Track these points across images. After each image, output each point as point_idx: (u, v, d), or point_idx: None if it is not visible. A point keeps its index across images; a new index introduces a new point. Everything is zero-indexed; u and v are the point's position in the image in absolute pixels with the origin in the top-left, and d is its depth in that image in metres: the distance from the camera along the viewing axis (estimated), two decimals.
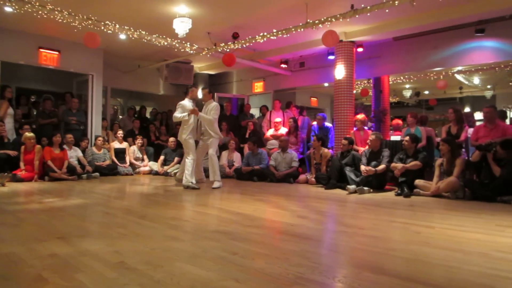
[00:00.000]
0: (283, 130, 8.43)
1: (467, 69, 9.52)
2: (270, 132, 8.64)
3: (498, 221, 3.61)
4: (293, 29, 6.58)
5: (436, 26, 6.90)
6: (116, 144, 8.71)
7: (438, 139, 6.46)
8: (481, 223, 3.49)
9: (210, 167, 6.23)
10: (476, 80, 11.46)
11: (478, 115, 10.91)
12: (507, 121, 10.97)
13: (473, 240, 2.81)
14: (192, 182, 5.98)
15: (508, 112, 12.40)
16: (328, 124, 8.72)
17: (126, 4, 6.45)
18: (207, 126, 6.28)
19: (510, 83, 11.02)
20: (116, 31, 6.89)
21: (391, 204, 4.75)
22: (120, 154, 8.69)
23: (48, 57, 8.41)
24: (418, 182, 5.60)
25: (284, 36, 6.86)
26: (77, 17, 6.34)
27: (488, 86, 12.26)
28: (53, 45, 8.43)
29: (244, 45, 7.62)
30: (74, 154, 7.72)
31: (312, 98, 12.77)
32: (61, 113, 8.55)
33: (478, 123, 7.22)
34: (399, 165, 5.76)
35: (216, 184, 6.13)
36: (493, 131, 5.60)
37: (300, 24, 6.49)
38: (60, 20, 6.32)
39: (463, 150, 6.44)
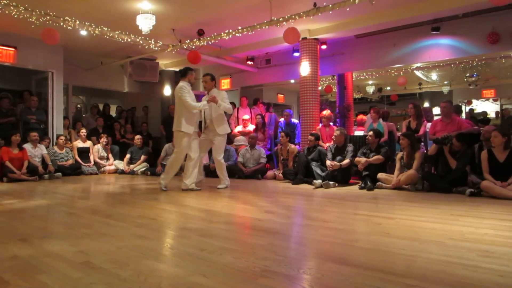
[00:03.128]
0: (250, 127, 8.48)
1: (425, 66, 9.90)
2: (238, 129, 8.67)
3: (453, 211, 3.81)
4: (258, 26, 6.63)
5: (394, 24, 7.15)
6: (79, 143, 8.48)
7: (399, 134, 6.72)
8: (438, 213, 3.67)
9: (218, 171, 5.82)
10: (434, 76, 11.95)
11: (437, 110, 11.39)
12: (463, 115, 11.56)
13: (429, 230, 2.97)
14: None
15: (463, 107, 13.06)
16: (294, 120, 8.85)
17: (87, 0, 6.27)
18: (217, 120, 5.60)
19: (465, 79, 11.56)
20: (77, 27, 6.68)
21: (355, 197, 4.91)
22: (84, 153, 8.46)
23: (4, 54, 8.04)
24: (380, 175, 5.81)
25: (249, 33, 6.90)
26: (34, 13, 6.10)
27: (445, 82, 12.81)
28: (9, 41, 8.07)
29: (210, 42, 7.60)
30: (39, 152, 7.49)
31: (279, 95, 12.89)
32: (19, 111, 8.21)
33: (436, 118, 7.55)
34: (363, 159, 5.94)
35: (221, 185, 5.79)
36: (449, 125, 5.89)
37: (265, 21, 6.55)
38: (16, 16, 6.06)
39: (422, 144, 6.72)
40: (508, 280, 1.86)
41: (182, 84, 5.40)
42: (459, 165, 5.28)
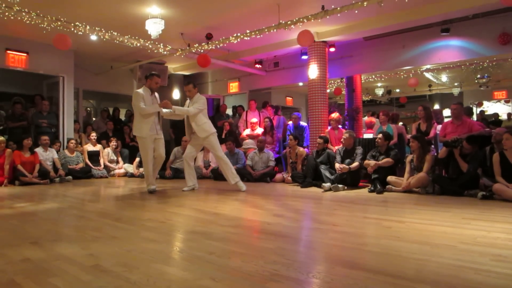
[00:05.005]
0: (259, 130, 8.48)
1: (435, 67, 9.84)
2: (246, 132, 8.67)
3: (464, 214, 3.76)
4: (266, 30, 6.65)
5: (403, 26, 7.12)
6: (89, 147, 8.56)
7: (408, 136, 6.66)
8: (449, 217, 3.63)
9: (223, 170, 5.79)
10: (444, 78, 11.86)
11: (447, 112, 11.28)
12: (474, 117, 11.42)
13: (440, 233, 2.93)
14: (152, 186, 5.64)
15: (474, 109, 12.91)
16: (303, 123, 8.83)
17: (97, 5, 6.35)
18: (192, 121, 5.61)
19: (476, 81, 11.45)
20: (87, 32, 6.77)
21: (364, 200, 4.87)
22: (94, 156, 8.54)
23: (16, 59, 8.18)
24: (390, 178, 5.76)
25: (258, 36, 6.92)
26: (45, 18, 6.20)
27: (456, 84, 12.70)
28: (21, 47, 8.20)
29: (218, 46, 7.64)
30: (50, 156, 7.59)
31: (287, 98, 12.89)
32: (31, 116, 8.33)
33: (446, 120, 7.47)
34: (372, 162, 5.90)
35: (242, 186, 5.77)
36: (460, 127, 5.82)
37: (273, 24, 6.56)
38: (28, 22, 6.16)
39: (433, 146, 6.66)
40: None
41: (138, 90, 5.53)
42: (470, 168, 5.21)
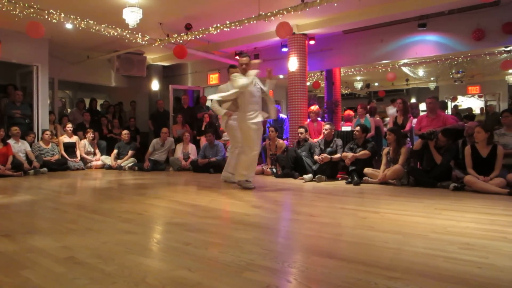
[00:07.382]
0: None
1: (412, 62, 10.02)
2: None
3: (436, 205, 3.87)
4: (246, 21, 6.61)
5: (381, 20, 7.20)
6: (65, 138, 8.37)
7: (385, 129, 6.79)
8: (422, 207, 3.73)
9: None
10: (420, 72, 12.09)
11: (423, 106, 11.54)
12: (449, 111, 11.71)
13: (413, 223, 3.01)
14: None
15: (449, 103, 13.23)
16: (283, 115, 8.86)
17: None
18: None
19: (451, 75, 11.72)
20: (62, 20, 6.57)
21: (342, 192, 4.95)
22: (70, 148, 8.36)
23: None
24: (367, 170, 5.86)
25: (238, 27, 6.88)
26: (17, 5, 5.99)
27: (432, 78, 12.98)
28: None
29: (198, 37, 7.55)
30: (22, 148, 7.38)
31: None
32: (3, 106, 8.07)
33: (422, 114, 7.64)
34: (350, 154, 5.99)
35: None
36: (434, 120, 5.97)
37: (253, 16, 6.53)
38: None
39: (408, 139, 6.80)
40: (486, 272, 1.90)
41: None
42: (443, 160, 5.36)
